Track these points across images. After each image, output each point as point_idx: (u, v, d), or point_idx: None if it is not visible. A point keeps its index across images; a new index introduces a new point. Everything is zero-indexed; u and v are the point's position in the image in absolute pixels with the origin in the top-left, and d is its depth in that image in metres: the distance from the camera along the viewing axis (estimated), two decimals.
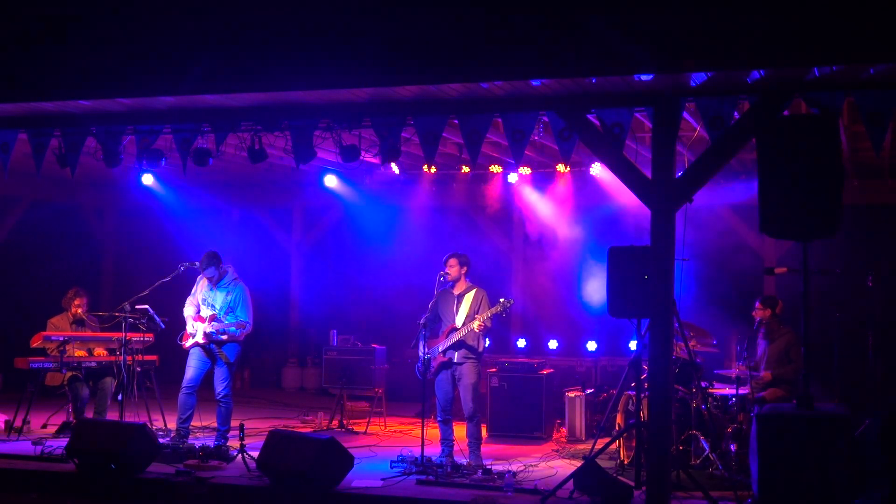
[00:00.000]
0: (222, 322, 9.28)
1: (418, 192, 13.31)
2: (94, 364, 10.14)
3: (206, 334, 9.30)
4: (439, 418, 8.88)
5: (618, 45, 6.65)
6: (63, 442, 8.78)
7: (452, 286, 9.00)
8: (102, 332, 10.32)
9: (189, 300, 9.59)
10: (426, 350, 8.86)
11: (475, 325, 8.66)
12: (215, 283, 9.45)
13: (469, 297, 8.90)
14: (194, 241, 12.22)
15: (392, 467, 8.45)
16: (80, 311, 10.45)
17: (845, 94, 6.88)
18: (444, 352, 8.83)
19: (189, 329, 9.46)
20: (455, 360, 8.80)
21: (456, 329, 8.81)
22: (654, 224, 7.27)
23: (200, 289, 9.57)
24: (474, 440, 8.80)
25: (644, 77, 6.85)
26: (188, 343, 9.45)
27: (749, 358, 8.82)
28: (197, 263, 9.55)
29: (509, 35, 6.89)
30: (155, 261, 12.06)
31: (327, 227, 14.91)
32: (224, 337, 9.30)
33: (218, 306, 9.37)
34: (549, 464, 9.00)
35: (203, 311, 9.41)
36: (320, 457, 7.55)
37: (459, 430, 8.98)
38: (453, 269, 8.93)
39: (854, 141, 10.19)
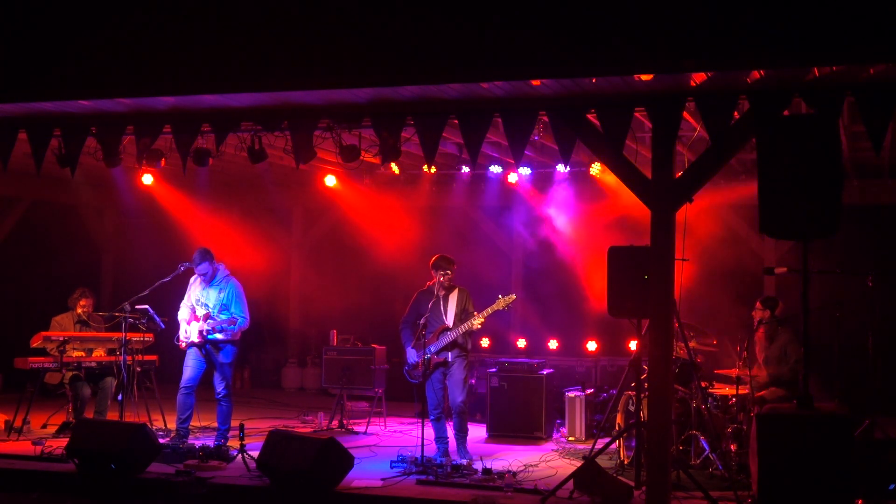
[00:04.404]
0: (216, 319, 9.28)
1: (418, 192, 13.31)
2: (93, 364, 10.14)
3: (200, 332, 9.30)
4: (432, 417, 8.92)
5: (618, 45, 6.65)
6: (63, 442, 8.78)
7: (434, 286, 8.99)
8: (103, 333, 10.31)
9: (183, 303, 9.59)
10: (416, 354, 8.85)
11: (476, 323, 8.71)
12: (208, 281, 9.44)
13: (454, 297, 8.94)
14: (194, 242, 12.21)
15: (392, 467, 8.46)
16: (84, 311, 10.44)
17: (845, 94, 6.88)
18: (438, 353, 8.84)
19: (182, 335, 9.47)
20: (449, 360, 8.85)
21: (449, 329, 8.83)
22: (654, 224, 7.27)
23: (193, 290, 9.56)
24: (461, 433, 8.89)
25: (644, 77, 6.85)
26: (184, 343, 9.46)
27: (748, 358, 8.82)
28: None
29: (509, 35, 6.89)
30: (155, 261, 12.06)
31: (327, 227, 14.91)
32: (220, 336, 9.30)
33: (212, 304, 9.37)
34: (549, 464, 9.00)
35: (198, 310, 9.41)
36: (320, 457, 7.55)
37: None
38: (453, 273, 8.94)
39: (854, 141, 10.19)
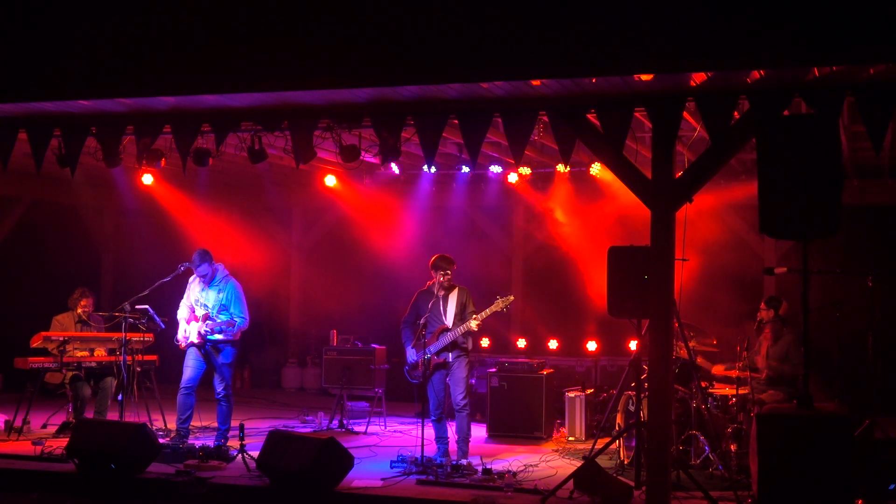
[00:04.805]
0: (215, 320, 9.28)
1: (418, 192, 13.31)
2: (94, 364, 10.14)
3: (200, 334, 9.30)
4: (433, 417, 8.91)
5: (618, 45, 6.65)
6: (63, 442, 8.78)
7: (433, 285, 8.96)
8: (103, 333, 10.31)
9: (182, 303, 9.59)
10: (415, 354, 8.83)
11: (473, 324, 8.69)
12: (208, 282, 9.44)
13: (454, 297, 8.91)
14: (194, 242, 12.21)
15: (392, 467, 8.46)
16: (84, 311, 10.44)
17: (845, 94, 6.88)
18: (438, 353, 8.82)
19: (180, 334, 9.47)
20: (450, 360, 8.83)
21: (448, 330, 8.81)
22: (654, 224, 7.27)
23: (192, 290, 9.56)
24: (464, 435, 8.85)
25: (644, 77, 6.85)
26: (184, 343, 9.46)
27: (749, 358, 8.82)
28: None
29: (509, 35, 6.89)
30: (155, 261, 12.06)
31: (327, 227, 14.91)
32: (219, 336, 9.30)
33: (211, 305, 9.37)
34: (549, 464, 9.00)
35: (197, 311, 9.40)
36: (320, 457, 7.55)
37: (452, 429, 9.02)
38: (452, 273, 8.91)
39: (854, 141, 10.19)
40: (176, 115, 8.36)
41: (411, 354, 8.89)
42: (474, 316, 8.75)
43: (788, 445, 6.32)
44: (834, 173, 6.36)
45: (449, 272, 8.89)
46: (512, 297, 8.88)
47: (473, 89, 7.36)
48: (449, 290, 8.94)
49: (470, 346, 9.06)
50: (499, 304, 8.77)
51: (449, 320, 8.84)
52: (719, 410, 8.76)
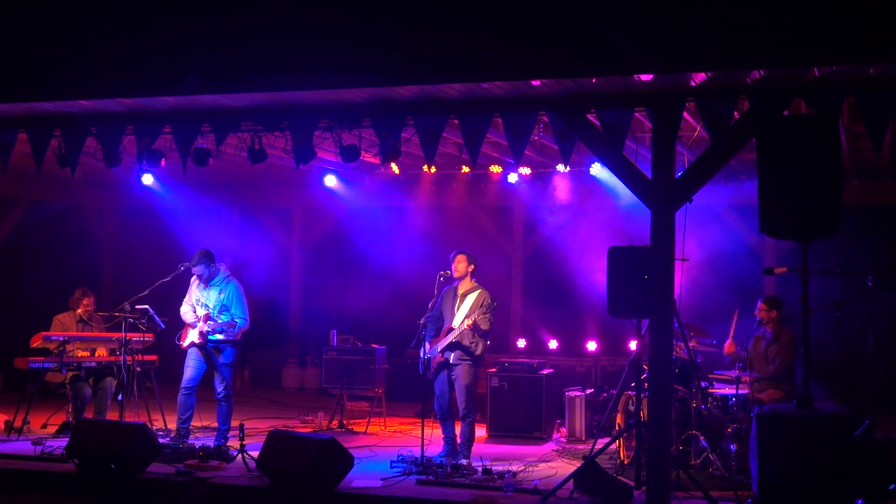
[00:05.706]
0: (216, 321, 9.28)
1: (418, 192, 13.32)
2: (94, 364, 10.15)
3: (201, 333, 9.30)
4: (438, 416, 8.92)
5: (618, 45, 6.65)
6: (63, 442, 8.77)
7: (457, 285, 8.96)
8: (103, 332, 10.31)
9: (185, 302, 9.60)
10: (427, 350, 8.85)
11: (466, 323, 8.67)
12: (206, 282, 9.44)
13: (471, 298, 8.86)
14: (194, 242, 12.20)
15: (392, 467, 8.46)
16: (85, 311, 10.43)
17: (845, 94, 6.88)
18: (442, 352, 8.83)
19: (191, 319, 9.47)
20: (451, 361, 8.80)
21: (452, 329, 8.81)
22: (654, 224, 7.27)
23: (194, 290, 9.57)
24: (465, 441, 8.85)
25: (644, 77, 6.85)
26: (185, 343, 9.46)
27: (748, 359, 8.81)
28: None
29: (509, 35, 6.89)
30: (155, 261, 12.05)
31: (327, 227, 14.91)
32: (220, 336, 9.30)
33: (212, 305, 9.37)
34: (549, 464, 9.00)
35: (198, 310, 9.41)
36: (320, 457, 7.55)
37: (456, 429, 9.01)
38: (461, 265, 8.89)
39: (854, 141, 10.19)
40: (176, 115, 8.36)
41: (421, 351, 8.89)
42: (465, 319, 8.68)
43: (788, 445, 6.32)
44: (834, 173, 6.36)
45: (455, 266, 8.87)
46: (496, 303, 8.78)
47: (473, 89, 7.37)
48: (472, 290, 8.91)
49: (479, 352, 8.84)
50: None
51: (457, 320, 8.82)
52: (719, 410, 8.76)
